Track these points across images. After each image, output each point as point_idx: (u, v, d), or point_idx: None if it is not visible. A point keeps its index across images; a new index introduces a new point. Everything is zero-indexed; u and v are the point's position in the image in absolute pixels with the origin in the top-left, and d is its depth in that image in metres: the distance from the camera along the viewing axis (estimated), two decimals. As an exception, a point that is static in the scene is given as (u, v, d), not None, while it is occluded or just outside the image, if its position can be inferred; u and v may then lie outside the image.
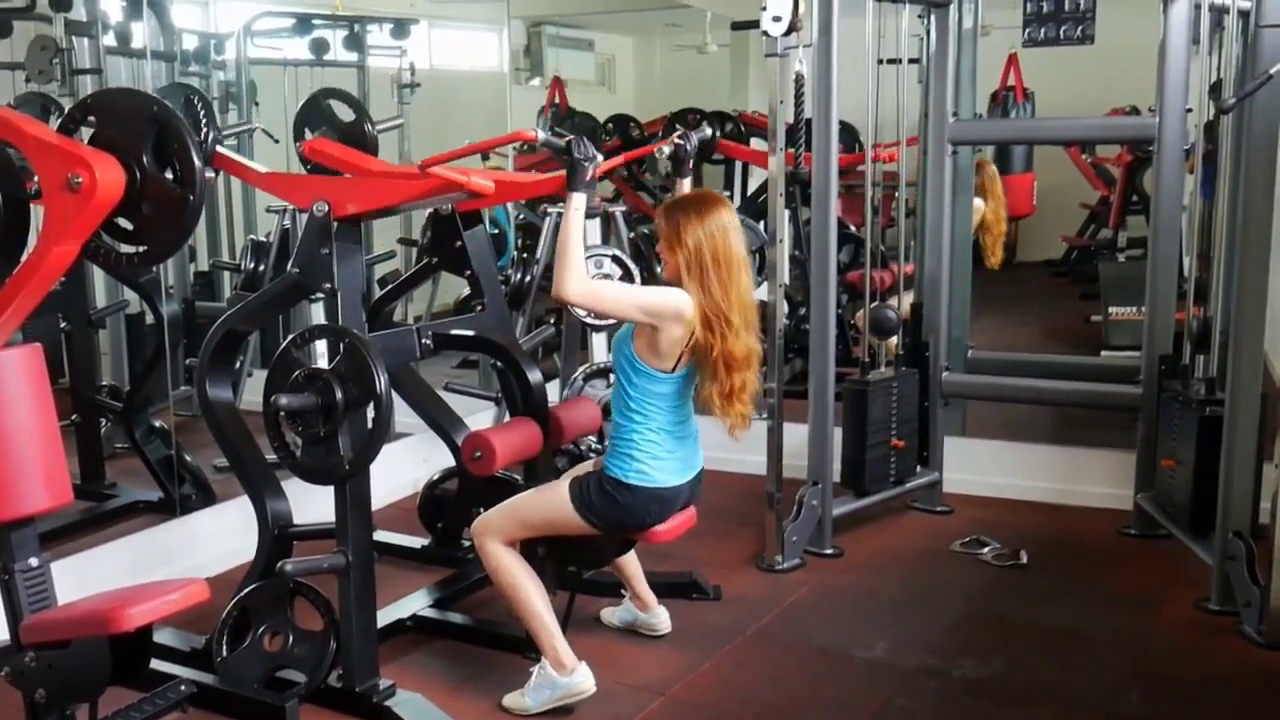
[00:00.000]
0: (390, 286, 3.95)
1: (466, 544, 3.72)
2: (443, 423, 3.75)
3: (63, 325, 4.28)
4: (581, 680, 2.97)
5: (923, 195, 4.95)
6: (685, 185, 3.42)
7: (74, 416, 4.26)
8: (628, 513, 2.98)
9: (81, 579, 2.90)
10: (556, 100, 8.11)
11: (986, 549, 4.07)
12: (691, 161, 3.45)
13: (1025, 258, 9.35)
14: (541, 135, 2.98)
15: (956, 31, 4.60)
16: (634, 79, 9.92)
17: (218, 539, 3.91)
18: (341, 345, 2.69)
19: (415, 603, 3.53)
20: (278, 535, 3.12)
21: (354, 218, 2.93)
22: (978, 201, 5.67)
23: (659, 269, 3.25)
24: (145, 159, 2.35)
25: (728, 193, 6.81)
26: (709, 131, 3.83)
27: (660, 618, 3.42)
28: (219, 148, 3.22)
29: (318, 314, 3.70)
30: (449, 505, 3.92)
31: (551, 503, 3.02)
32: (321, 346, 2.81)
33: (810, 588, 3.81)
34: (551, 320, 4.83)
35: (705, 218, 2.93)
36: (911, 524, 4.42)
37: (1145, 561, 3.98)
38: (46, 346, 2.40)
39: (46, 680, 2.31)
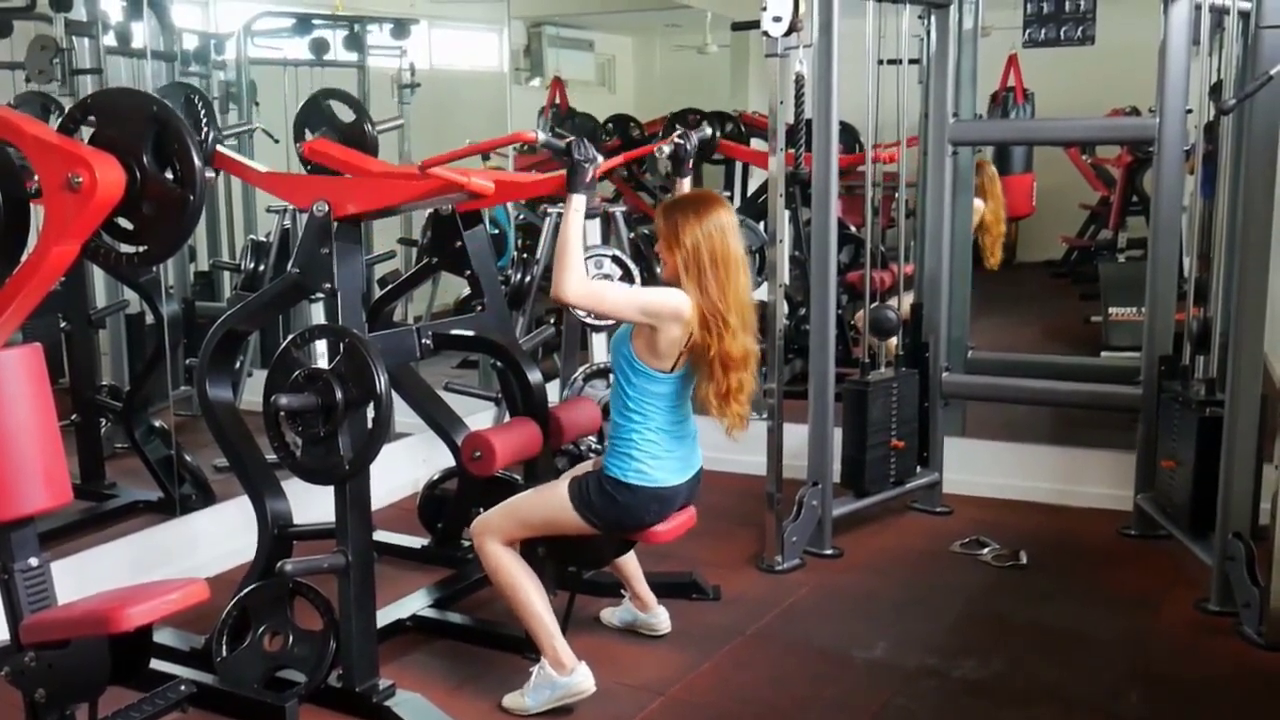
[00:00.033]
0: (390, 286, 3.95)
1: (466, 544, 3.72)
2: (443, 423, 3.75)
3: (63, 325, 4.28)
4: (581, 680, 2.97)
5: (923, 196, 4.95)
6: (685, 185, 3.42)
7: (74, 416, 4.26)
8: (627, 512, 2.98)
9: (81, 579, 2.90)
10: (557, 100, 8.11)
11: (986, 549, 4.07)
12: (691, 161, 3.45)
13: (1025, 258, 9.35)
14: (542, 136, 2.98)
15: (957, 32, 4.61)
16: (634, 79, 9.92)
17: (217, 539, 3.91)
18: (341, 345, 2.69)
19: (415, 603, 3.53)
20: (277, 535, 3.12)
21: (354, 218, 2.93)
22: (977, 202, 5.67)
23: (659, 269, 3.25)
24: (145, 159, 2.35)
25: (728, 193, 6.81)
26: (709, 131, 3.83)
27: (660, 618, 3.42)
28: (219, 147, 3.22)
29: (318, 314, 3.70)
30: (449, 505, 3.92)
31: (551, 503, 3.02)
32: (321, 346, 2.81)
33: (810, 588, 3.81)
34: (551, 320, 4.83)
35: (703, 218, 2.93)
36: (911, 524, 4.42)
37: (1145, 562, 3.98)
38: (46, 346, 2.40)
39: (46, 680, 2.31)
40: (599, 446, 3.70)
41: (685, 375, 2.99)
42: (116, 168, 2.32)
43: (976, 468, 4.67)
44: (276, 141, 5.21)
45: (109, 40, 4.61)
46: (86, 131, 2.44)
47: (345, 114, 3.73)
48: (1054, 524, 4.35)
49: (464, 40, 7.69)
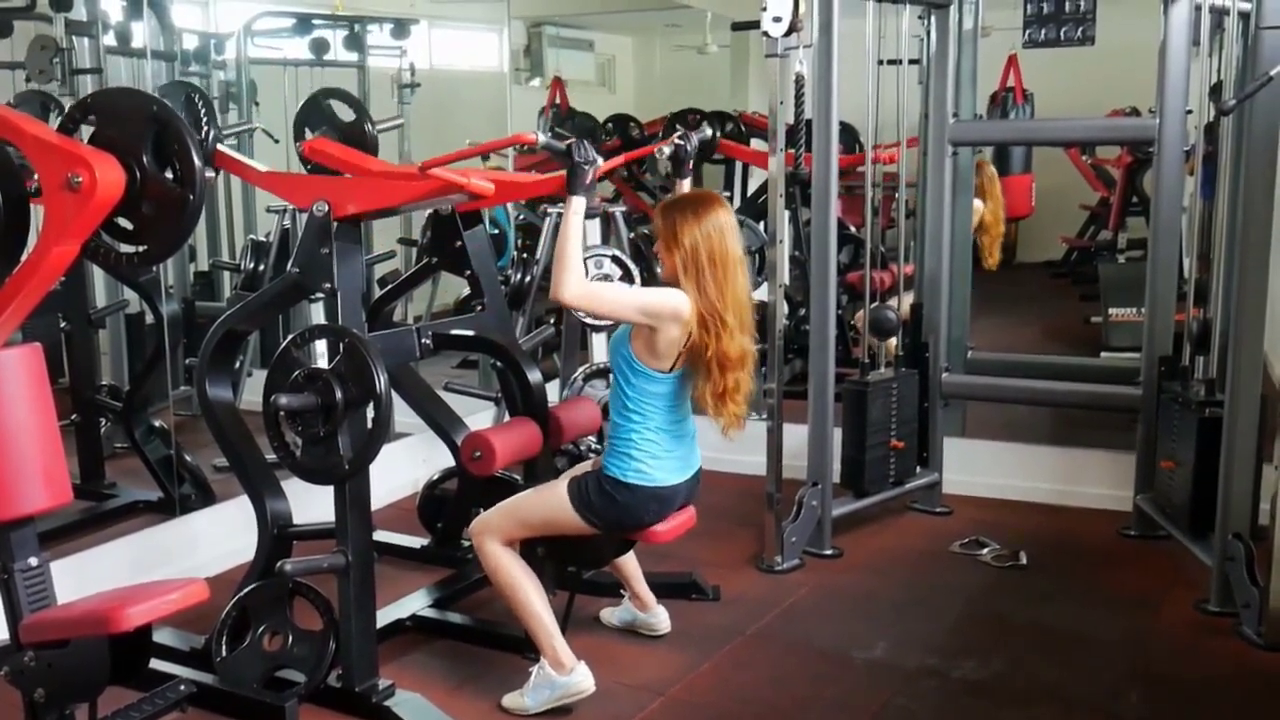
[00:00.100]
0: (390, 286, 3.95)
1: (466, 544, 3.72)
2: (442, 423, 3.75)
3: (63, 325, 4.28)
4: (581, 680, 2.97)
5: (923, 196, 4.96)
6: (685, 186, 3.43)
7: (74, 416, 4.26)
8: (626, 512, 2.99)
9: (81, 579, 2.90)
10: (557, 101, 8.11)
11: (986, 550, 4.07)
12: (691, 162, 3.46)
13: (1025, 259, 9.36)
14: (542, 138, 2.98)
15: (957, 32, 4.61)
16: (634, 79, 9.92)
17: (217, 539, 3.91)
18: (341, 345, 2.69)
19: (415, 603, 3.53)
20: (277, 535, 3.12)
21: (354, 218, 2.93)
22: (976, 202, 5.67)
23: (658, 269, 3.25)
24: (145, 159, 2.35)
25: (728, 193, 6.81)
26: (709, 132, 3.83)
27: (659, 618, 3.42)
28: (219, 146, 3.22)
29: (318, 314, 3.69)
30: (449, 505, 3.92)
31: (550, 502, 3.02)
32: (321, 346, 2.81)
33: (810, 588, 3.81)
34: (551, 320, 4.83)
35: (702, 218, 2.94)
36: (911, 525, 4.42)
37: (1145, 562, 3.98)
38: (46, 346, 2.40)
39: (46, 680, 2.31)
40: (599, 446, 3.70)
41: (684, 375, 2.99)
42: (116, 167, 2.32)
43: (976, 468, 4.67)
44: (276, 141, 5.21)
45: (109, 40, 4.61)
46: (87, 131, 2.44)
47: (345, 113, 3.73)
48: (1054, 524, 4.35)
49: (464, 40, 7.69)
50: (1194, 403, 3.75)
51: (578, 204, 2.87)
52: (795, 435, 4.06)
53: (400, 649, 3.33)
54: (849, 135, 5.79)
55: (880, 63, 4.37)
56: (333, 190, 2.91)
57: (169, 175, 2.38)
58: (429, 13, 6.86)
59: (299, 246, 2.94)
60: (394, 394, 2.79)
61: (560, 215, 2.98)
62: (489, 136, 3.27)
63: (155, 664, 2.71)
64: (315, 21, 6.03)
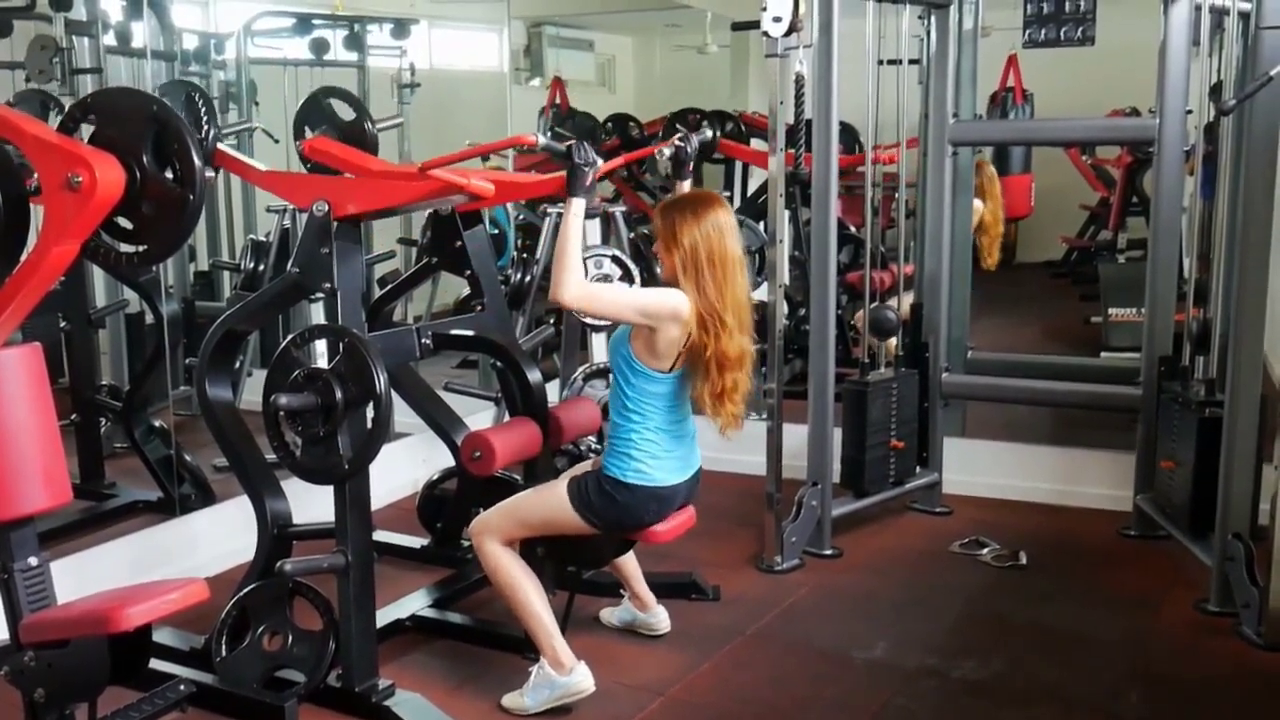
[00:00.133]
0: (390, 286, 3.95)
1: (466, 544, 3.72)
2: (442, 423, 3.75)
3: (62, 325, 4.28)
4: (580, 680, 2.97)
5: (923, 196, 4.96)
6: (685, 187, 3.43)
7: (74, 416, 4.26)
8: (626, 512, 2.99)
9: (81, 578, 2.90)
10: (557, 101, 8.11)
11: (986, 550, 4.07)
12: (692, 164, 3.46)
13: (1025, 259, 9.36)
14: (542, 140, 2.98)
15: (957, 32, 4.61)
16: (634, 79, 9.92)
17: (217, 539, 3.91)
18: (341, 345, 2.69)
19: (414, 603, 3.53)
20: (277, 535, 3.12)
21: (354, 218, 2.93)
22: (976, 203, 5.67)
23: (658, 269, 3.25)
24: (145, 158, 2.35)
25: (728, 193, 6.81)
26: (709, 134, 3.82)
27: (659, 618, 3.42)
28: (220, 145, 3.22)
29: (318, 314, 3.70)
30: (448, 505, 3.92)
31: (550, 502, 3.02)
32: (321, 346, 2.81)
33: (810, 588, 3.81)
34: (551, 320, 4.83)
35: (701, 218, 2.93)
36: (911, 525, 4.42)
37: (1145, 562, 3.98)
38: (46, 346, 2.40)
39: (46, 679, 2.31)
40: (598, 446, 3.70)
41: (684, 375, 2.99)
42: (116, 167, 2.32)
43: (976, 468, 4.67)
44: (276, 141, 5.21)
45: (109, 40, 4.61)
46: (87, 131, 2.44)
47: (345, 112, 3.72)
48: (1054, 524, 4.35)
49: (464, 40, 7.69)
50: (1194, 403, 3.75)
51: (577, 205, 2.87)
52: (795, 435, 4.06)
53: (400, 649, 3.33)
54: (849, 135, 5.79)
55: (880, 63, 4.37)
56: (333, 190, 2.91)
57: (169, 175, 2.38)
58: (429, 13, 6.86)
59: (299, 246, 2.94)
60: (394, 394, 2.79)
61: (560, 215, 2.98)
62: (489, 137, 3.27)
63: (155, 664, 2.71)
64: (315, 21, 6.03)
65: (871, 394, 4.21)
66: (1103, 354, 6.22)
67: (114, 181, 2.31)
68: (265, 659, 2.97)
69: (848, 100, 4.07)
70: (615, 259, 4.09)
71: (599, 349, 4.67)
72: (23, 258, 2.36)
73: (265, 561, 3.08)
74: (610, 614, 3.50)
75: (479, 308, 3.46)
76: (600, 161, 2.97)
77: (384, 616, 3.32)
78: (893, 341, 4.66)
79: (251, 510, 3.15)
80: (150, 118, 2.37)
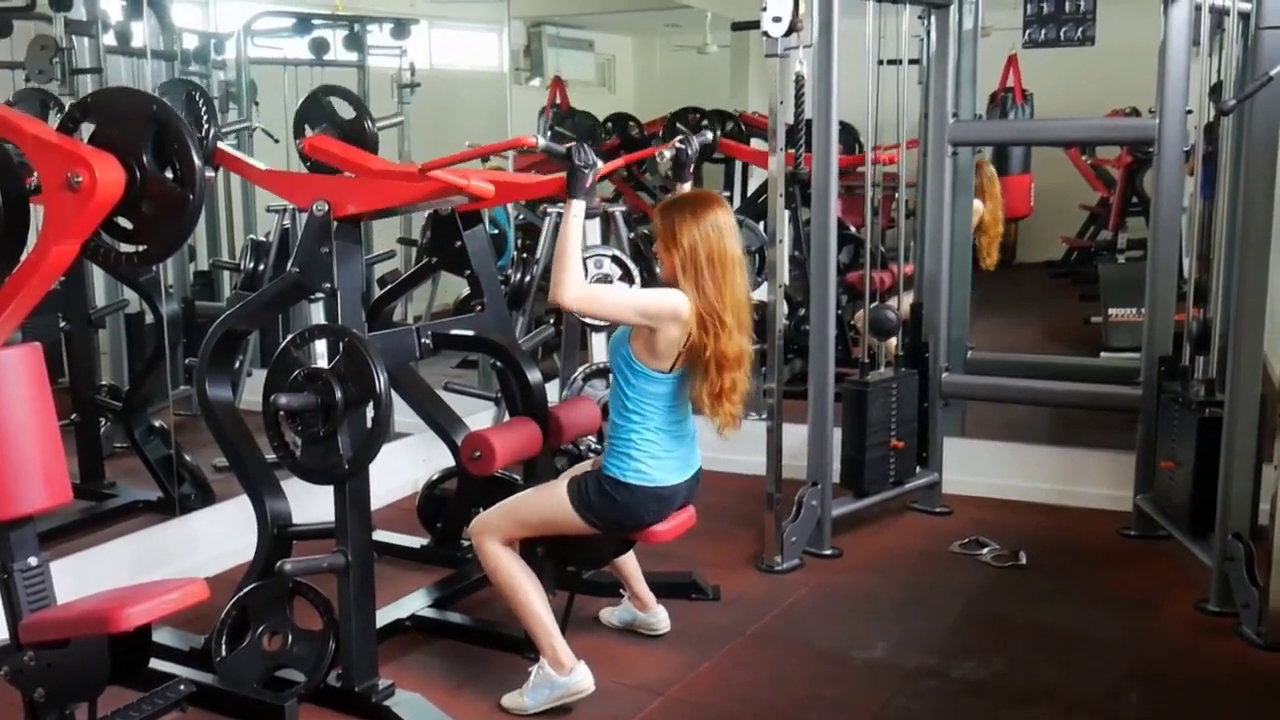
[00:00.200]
0: (390, 286, 3.95)
1: (466, 544, 3.72)
2: (442, 423, 3.75)
3: (62, 324, 4.28)
4: (580, 680, 2.97)
5: (922, 196, 4.96)
6: (685, 189, 3.42)
7: (73, 416, 4.26)
8: (626, 512, 2.98)
9: (81, 578, 2.90)
10: (557, 100, 8.11)
11: (986, 550, 4.07)
12: (692, 166, 3.46)
13: (1025, 259, 9.36)
14: (542, 142, 2.98)
15: (957, 32, 4.61)
16: (634, 79, 9.92)
17: (217, 539, 3.91)
18: (341, 345, 2.69)
19: (414, 602, 3.53)
20: (277, 535, 3.12)
21: (354, 218, 2.93)
22: (976, 203, 5.67)
23: (658, 269, 3.25)
24: (145, 158, 2.35)
25: (728, 193, 6.81)
26: (710, 136, 3.83)
27: (659, 617, 3.42)
28: (220, 144, 3.22)
29: (318, 314, 3.69)
30: (448, 505, 3.92)
31: (550, 502, 3.02)
32: (321, 346, 2.81)
33: (809, 588, 3.81)
34: (551, 320, 4.83)
35: (701, 218, 2.93)
36: (911, 525, 4.42)
37: (1145, 562, 3.98)
38: (46, 346, 2.40)
39: (46, 679, 2.31)
40: (598, 446, 3.70)
41: (684, 375, 2.99)
42: (116, 167, 2.32)
43: (976, 468, 4.67)
44: (276, 141, 5.21)
45: (109, 40, 4.61)
46: (87, 131, 2.44)
47: (345, 111, 3.72)
48: (1054, 524, 4.35)
49: (464, 40, 7.69)
50: (1194, 403, 3.75)
51: (577, 207, 2.87)
52: (795, 435, 4.06)
53: (400, 649, 3.33)
54: (849, 135, 5.79)
55: (880, 63, 4.37)
56: (333, 190, 2.91)
57: (169, 175, 2.38)
58: (429, 13, 6.86)
59: (299, 246, 2.94)
60: (394, 394, 2.79)
61: (560, 215, 2.98)
62: (489, 137, 3.27)
63: (155, 664, 2.71)
64: (315, 21, 6.03)
65: (871, 394, 4.21)
66: (1103, 354, 6.22)
67: (114, 181, 2.31)
68: (265, 659, 2.97)
69: (848, 100, 4.07)
70: (615, 259, 4.09)
71: (599, 349, 4.68)
72: (23, 258, 2.36)
73: (265, 561, 3.08)
74: (610, 614, 3.50)
75: (479, 308, 3.46)
76: (600, 163, 2.97)
77: (384, 616, 3.32)
78: (893, 341, 4.66)
79: (251, 510, 3.15)
80: (150, 117, 2.37)
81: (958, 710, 3.03)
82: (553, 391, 4.04)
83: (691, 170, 3.47)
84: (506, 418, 3.67)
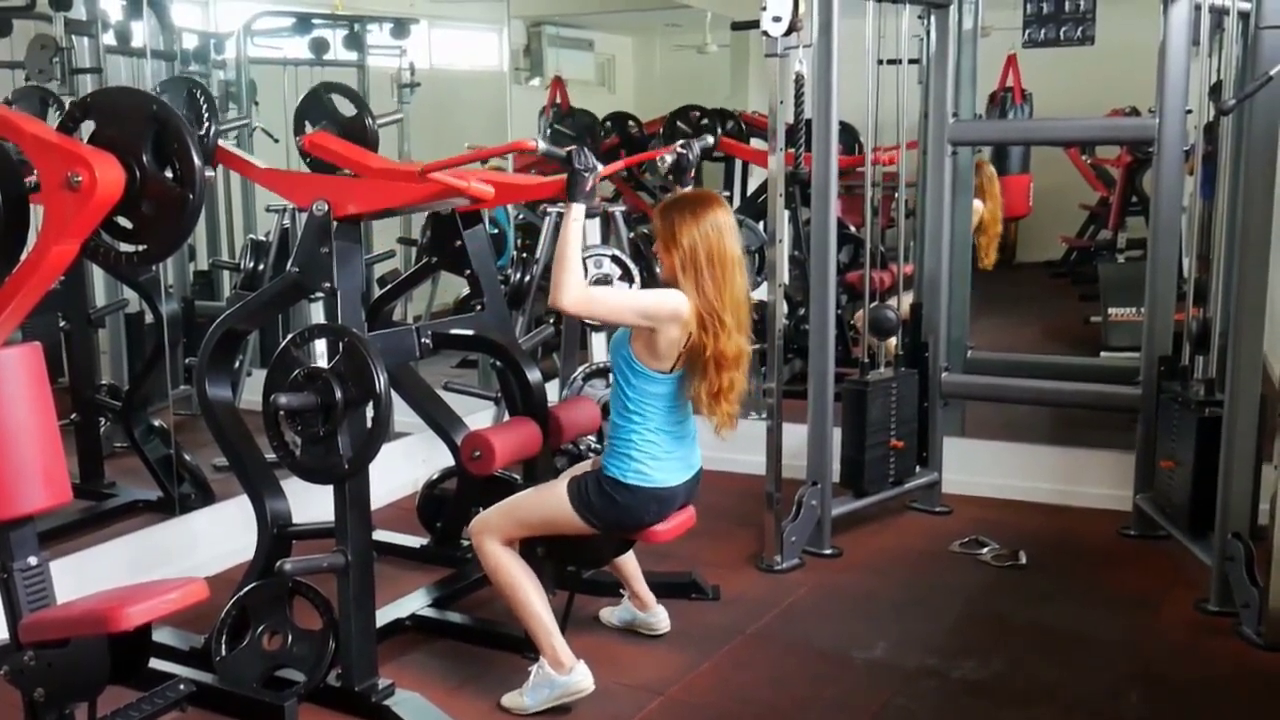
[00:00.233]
0: (390, 286, 3.95)
1: (465, 543, 3.72)
2: (442, 422, 3.75)
3: (62, 324, 4.28)
4: (580, 679, 2.97)
5: (922, 196, 4.96)
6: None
7: (73, 416, 4.26)
8: (626, 512, 2.98)
9: (80, 578, 2.90)
10: (558, 100, 8.11)
11: (986, 549, 4.07)
12: (693, 170, 3.46)
13: (1025, 258, 9.36)
14: (542, 145, 2.97)
15: (956, 32, 4.61)
16: (634, 79, 9.92)
17: (217, 538, 3.91)
18: (341, 344, 2.69)
19: (414, 602, 3.53)
20: (277, 534, 3.12)
21: (354, 218, 2.93)
22: (976, 203, 5.67)
23: (658, 269, 3.25)
24: (145, 158, 2.35)
25: (728, 193, 6.81)
26: (710, 140, 3.83)
27: (659, 617, 3.42)
28: (220, 142, 3.22)
29: (317, 313, 3.69)
30: (448, 505, 3.92)
31: (550, 502, 3.02)
32: (321, 346, 2.81)
33: (809, 588, 3.81)
34: (551, 320, 4.83)
35: (701, 218, 2.93)
36: (911, 524, 4.42)
37: (1144, 562, 3.98)
38: (46, 345, 2.39)
39: (45, 679, 2.31)
40: (598, 446, 3.70)
41: (684, 375, 2.99)
42: (116, 167, 2.32)
43: (976, 468, 4.67)
44: (276, 141, 5.21)
45: (109, 39, 4.61)
46: (87, 131, 2.44)
47: (346, 108, 3.72)
48: (1054, 524, 4.35)
49: (464, 40, 7.69)
50: (1194, 402, 3.75)
51: (577, 210, 2.87)
52: (795, 435, 4.06)
53: (400, 648, 3.33)
54: (849, 135, 5.79)
55: (880, 62, 4.37)
56: (333, 190, 2.91)
57: (169, 174, 2.37)
58: (429, 12, 6.86)
59: (299, 246, 2.94)
60: (394, 394, 2.79)
61: (560, 215, 2.98)
62: (489, 136, 3.27)
63: (155, 663, 2.71)
64: (315, 21, 6.03)
65: (871, 394, 4.21)
66: (1102, 354, 6.22)
67: (114, 181, 2.31)
68: (265, 658, 2.97)
69: (848, 100, 4.07)
70: (615, 259, 4.09)
71: (599, 349, 4.67)
72: (23, 257, 2.36)
73: (265, 561, 3.08)
74: (610, 614, 3.50)
75: (479, 307, 3.46)
76: (600, 166, 2.97)
77: (384, 616, 3.31)
78: (892, 341, 4.66)
79: (251, 510, 3.15)
80: (150, 117, 2.37)
81: (958, 710, 3.03)
82: (553, 391, 4.04)
83: (692, 175, 3.47)
84: (506, 417, 3.67)
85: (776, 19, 3.64)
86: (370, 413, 2.69)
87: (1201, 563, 3.61)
